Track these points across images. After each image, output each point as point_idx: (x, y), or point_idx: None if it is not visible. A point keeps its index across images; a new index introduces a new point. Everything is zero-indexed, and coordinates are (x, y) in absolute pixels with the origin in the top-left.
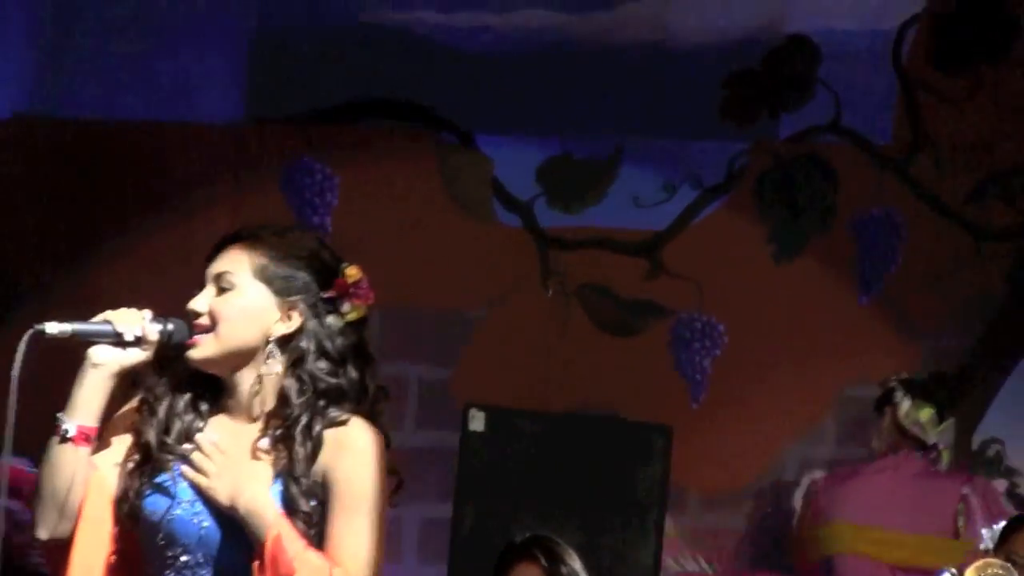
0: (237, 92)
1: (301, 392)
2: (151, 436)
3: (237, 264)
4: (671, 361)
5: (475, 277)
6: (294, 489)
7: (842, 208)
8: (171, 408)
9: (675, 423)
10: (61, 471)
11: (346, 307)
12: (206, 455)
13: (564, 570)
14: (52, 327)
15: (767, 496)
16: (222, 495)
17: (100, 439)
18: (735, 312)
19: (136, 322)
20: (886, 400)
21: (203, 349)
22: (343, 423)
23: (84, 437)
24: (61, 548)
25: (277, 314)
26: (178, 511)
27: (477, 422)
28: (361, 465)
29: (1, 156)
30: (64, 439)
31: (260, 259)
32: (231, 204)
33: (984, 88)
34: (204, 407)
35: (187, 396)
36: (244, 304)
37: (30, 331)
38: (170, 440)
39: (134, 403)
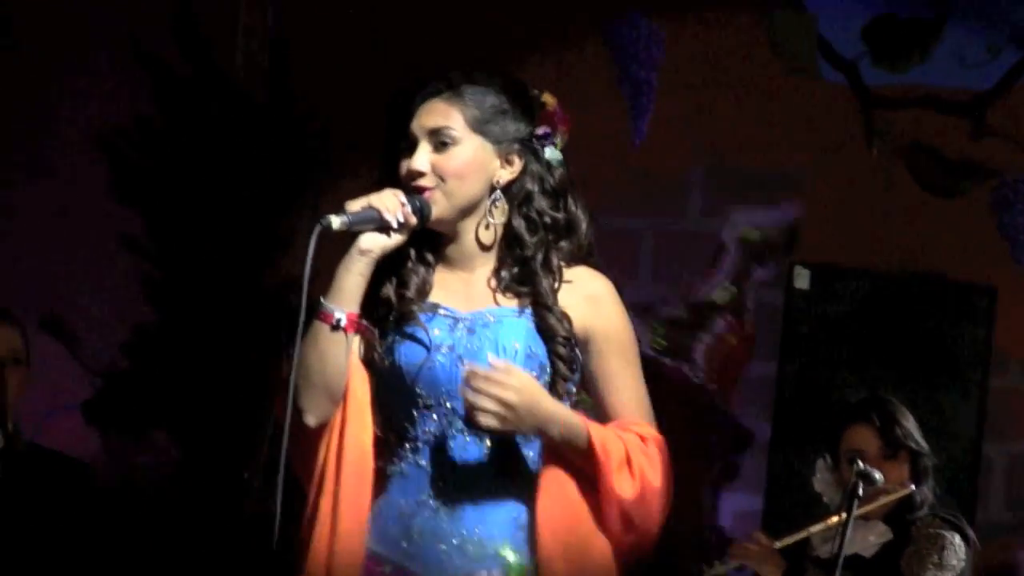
0: None
1: (532, 231)
2: (390, 292)
3: (450, 118)
4: (995, 222)
5: (800, 135)
6: (550, 318)
7: None
8: (400, 263)
9: (999, 284)
10: (335, 358)
11: (558, 139)
12: (496, 383)
13: (899, 431)
14: (336, 221)
15: None
16: (527, 426)
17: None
18: None
19: (395, 206)
20: None
21: (436, 207)
22: (576, 270)
23: (352, 324)
24: (323, 432)
25: (497, 161)
26: (439, 358)
27: (802, 280)
28: (616, 315)
29: (323, 6)
30: (336, 327)
31: (471, 110)
32: (555, 61)
33: None
34: (430, 258)
35: (411, 250)
36: (469, 157)
37: (318, 227)
38: (410, 293)
39: None
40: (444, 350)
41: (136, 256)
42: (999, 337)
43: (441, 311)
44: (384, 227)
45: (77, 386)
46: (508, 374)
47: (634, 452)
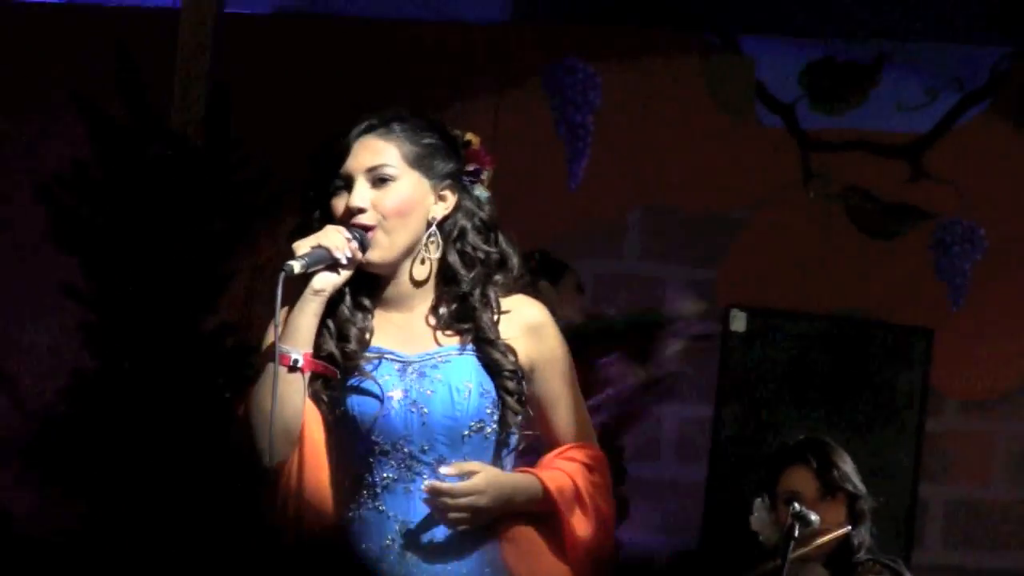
0: None
1: (468, 266)
2: (331, 347)
3: (387, 155)
4: (932, 265)
5: (737, 179)
6: (495, 353)
7: None
8: (337, 315)
9: (935, 327)
10: (292, 399)
11: (484, 175)
12: (463, 494)
13: (836, 473)
14: (297, 266)
15: None
16: (496, 512)
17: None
18: (996, 217)
19: (342, 243)
20: None
21: (379, 248)
22: (512, 301)
23: (309, 363)
24: (280, 473)
25: (432, 197)
26: (394, 406)
27: (739, 322)
28: (555, 339)
29: (259, 53)
30: (293, 368)
31: (406, 146)
32: (492, 105)
33: None
34: (367, 303)
35: (347, 299)
36: (408, 193)
37: (282, 273)
38: (352, 347)
39: (281, 320)
40: (398, 397)
41: (74, 301)
42: (936, 379)
43: (387, 356)
44: (334, 265)
45: (15, 433)
46: (471, 483)
47: (583, 486)
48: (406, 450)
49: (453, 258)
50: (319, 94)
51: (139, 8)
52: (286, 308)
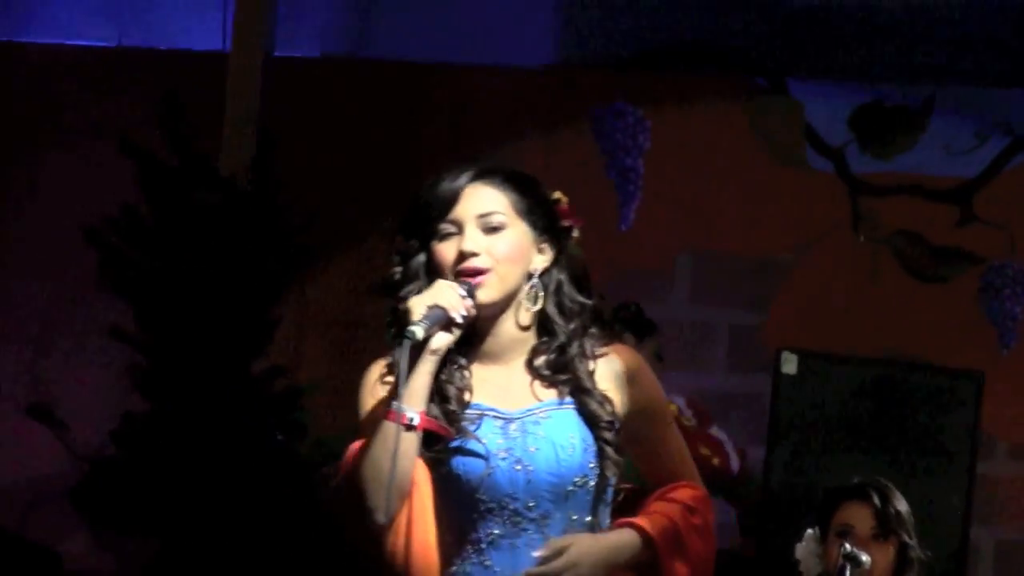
0: (548, 36)
1: (566, 318)
2: (434, 410)
3: (498, 203)
4: (981, 308)
5: (786, 222)
6: (592, 404)
7: None
8: (435, 376)
9: (985, 370)
10: (407, 458)
11: (575, 231)
12: (560, 572)
13: (894, 515)
14: (419, 331)
15: None
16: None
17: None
18: None
19: (457, 301)
20: None
21: (488, 291)
22: (606, 351)
23: (424, 423)
24: (390, 530)
25: (534, 249)
26: (499, 464)
27: (790, 365)
28: (649, 385)
29: (307, 96)
30: (410, 427)
31: (514, 196)
32: (542, 148)
33: None
34: (463, 361)
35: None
36: (518, 241)
37: (407, 342)
38: (452, 407)
39: (376, 376)
40: (502, 455)
41: (124, 345)
42: (986, 422)
43: (488, 414)
44: (449, 324)
45: (65, 475)
46: (565, 559)
47: (683, 528)
48: (512, 507)
49: (552, 310)
50: (367, 138)
51: (188, 52)
52: (380, 369)
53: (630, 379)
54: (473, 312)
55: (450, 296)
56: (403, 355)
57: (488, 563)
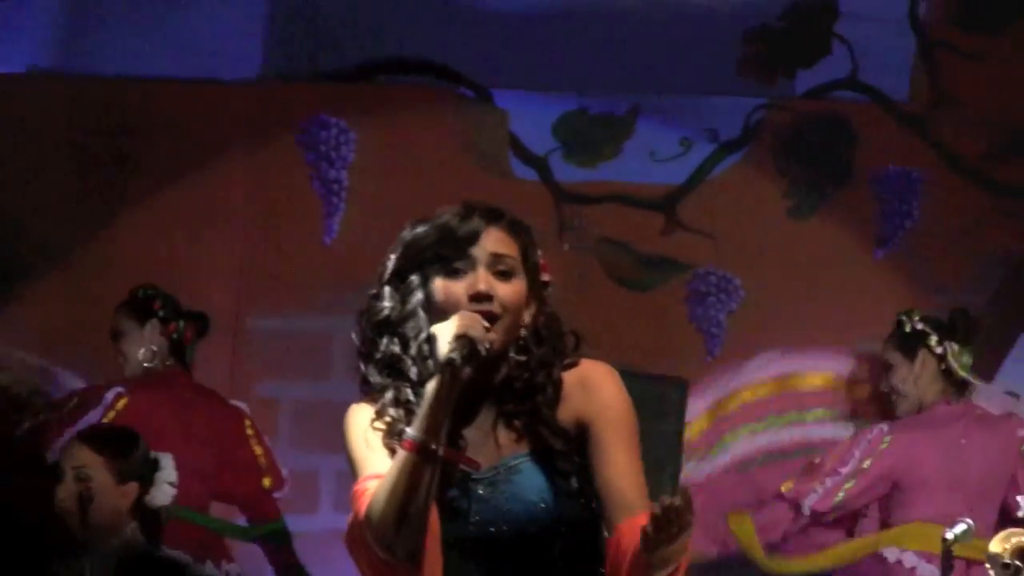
0: (255, 51)
1: (541, 367)
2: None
3: (510, 247)
4: (687, 315)
5: None
6: (547, 434)
7: (859, 165)
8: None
9: (691, 377)
10: (427, 488)
11: (546, 276)
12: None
13: None
14: (458, 359)
15: None
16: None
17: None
18: (751, 267)
19: (482, 331)
20: (916, 342)
21: (499, 335)
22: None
23: (453, 455)
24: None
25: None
26: (473, 521)
27: None
28: (610, 396)
29: (13, 112)
30: (433, 460)
31: (523, 243)
32: (247, 162)
33: (1004, 45)
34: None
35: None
36: (523, 291)
37: (447, 367)
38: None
39: (366, 422)
40: (475, 518)
41: None
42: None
43: (473, 478)
44: (473, 356)
45: None
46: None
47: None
48: (497, 550)
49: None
50: (73, 154)
51: None
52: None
53: (585, 387)
54: (497, 346)
55: (479, 328)
56: (449, 385)
57: None
